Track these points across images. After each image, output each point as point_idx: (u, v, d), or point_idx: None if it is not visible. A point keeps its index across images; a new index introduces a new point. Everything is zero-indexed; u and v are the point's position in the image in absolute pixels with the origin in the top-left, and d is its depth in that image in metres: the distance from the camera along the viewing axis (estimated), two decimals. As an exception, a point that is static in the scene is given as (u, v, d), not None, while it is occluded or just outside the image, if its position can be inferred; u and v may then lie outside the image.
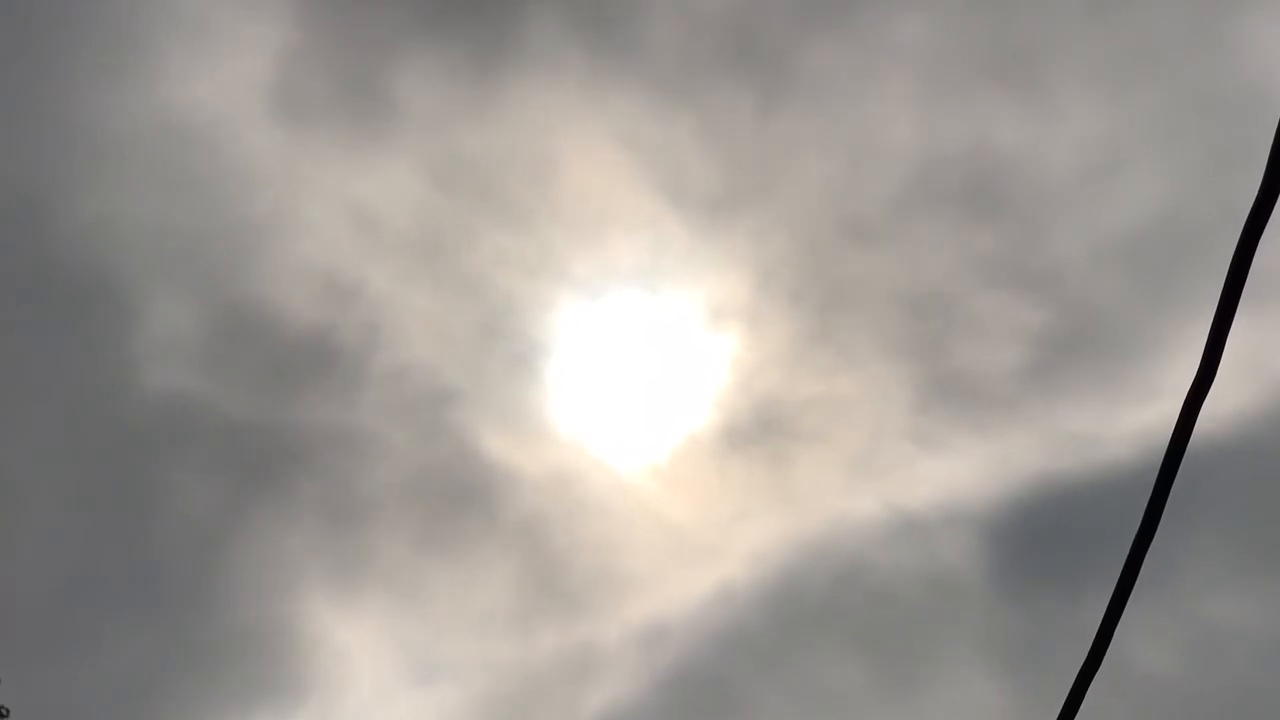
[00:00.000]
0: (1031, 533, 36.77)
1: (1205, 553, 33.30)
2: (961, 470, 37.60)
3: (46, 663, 28.89)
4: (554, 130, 36.67)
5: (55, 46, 34.49)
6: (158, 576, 33.58)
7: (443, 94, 36.35)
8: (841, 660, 36.04)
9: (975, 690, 34.43)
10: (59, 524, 33.76)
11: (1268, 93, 33.05)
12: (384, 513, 36.86)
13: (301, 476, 36.49)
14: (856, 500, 38.09)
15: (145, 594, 33.12)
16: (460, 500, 37.51)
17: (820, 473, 38.76)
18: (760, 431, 38.77)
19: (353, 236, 36.77)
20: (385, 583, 36.09)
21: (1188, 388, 4.00)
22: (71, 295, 34.87)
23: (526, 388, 38.28)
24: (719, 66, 36.66)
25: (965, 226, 37.34)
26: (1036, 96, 35.85)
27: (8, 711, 17.29)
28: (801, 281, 38.08)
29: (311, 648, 34.46)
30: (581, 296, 37.87)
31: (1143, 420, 35.20)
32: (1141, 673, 31.39)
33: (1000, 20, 36.03)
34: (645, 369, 38.26)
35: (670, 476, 38.91)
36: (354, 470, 36.79)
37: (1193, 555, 32.80)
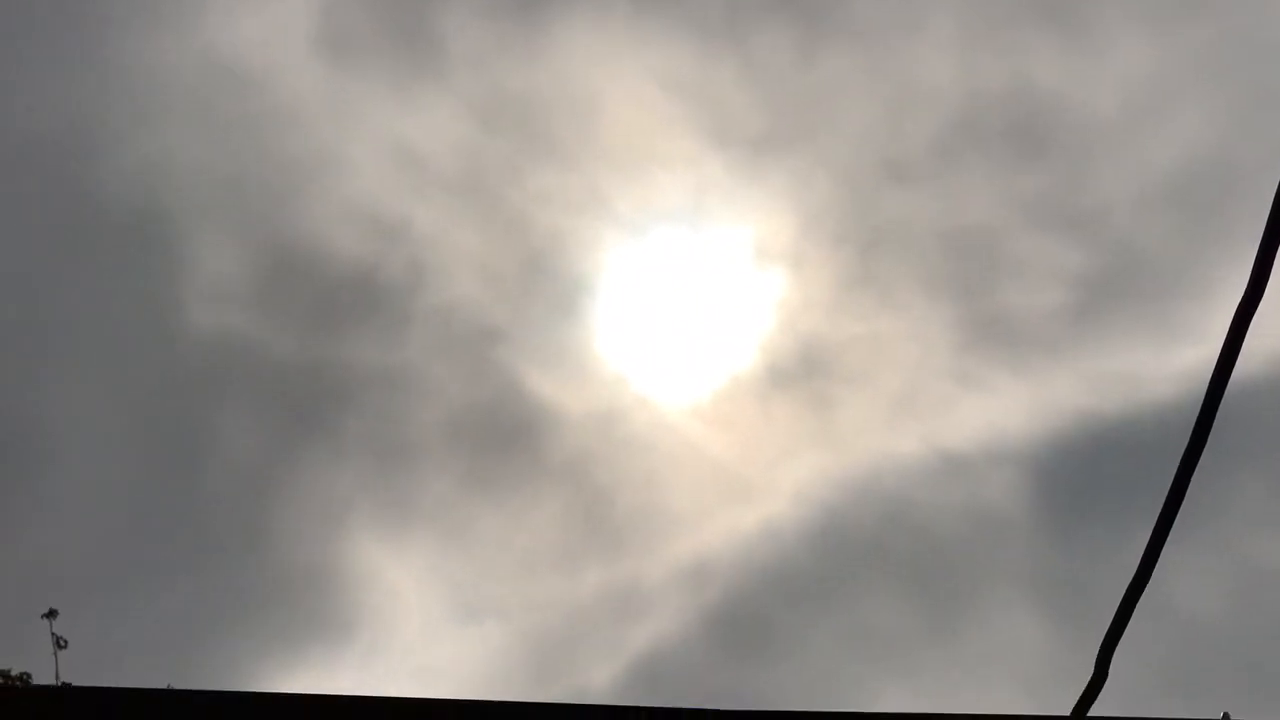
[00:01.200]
0: (1075, 471, 36.69)
1: (1248, 491, 33.22)
2: (1004, 409, 37.53)
3: (100, 600, 29.39)
4: (598, 69, 36.61)
5: (100, -12, 34.67)
6: (207, 515, 34.03)
7: (487, 32, 36.33)
8: (886, 597, 36.16)
9: (1019, 626, 34.55)
10: (108, 464, 34.25)
11: (1319, 29, 32.63)
12: (431, 452, 37.14)
13: (348, 415, 36.80)
14: (900, 439, 38.08)
15: (195, 532, 33.57)
16: (506, 439, 37.75)
17: (864, 412, 38.77)
18: (803, 371, 38.79)
19: (398, 175, 36.88)
20: (432, 522, 36.43)
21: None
22: (117, 236, 35.21)
23: (571, 326, 38.39)
24: (761, 7, 36.49)
25: (1009, 166, 37.11)
26: (1081, 34, 35.52)
27: (66, 643, 17.67)
28: (844, 222, 37.96)
29: (359, 586, 34.87)
30: (625, 235, 37.87)
31: (1187, 360, 34.99)
32: (1182, 614, 31.42)
33: (1046, -43, 35.68)
34: (688, 308, 38.29)
35: (714, 416, 39.00)
36: (400, 409, 37.06)
37: (1235, 494, 32.73)
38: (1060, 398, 36.92)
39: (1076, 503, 36.32)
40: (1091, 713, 5.92)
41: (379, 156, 36.60)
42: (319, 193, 36.56)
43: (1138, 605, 4.40)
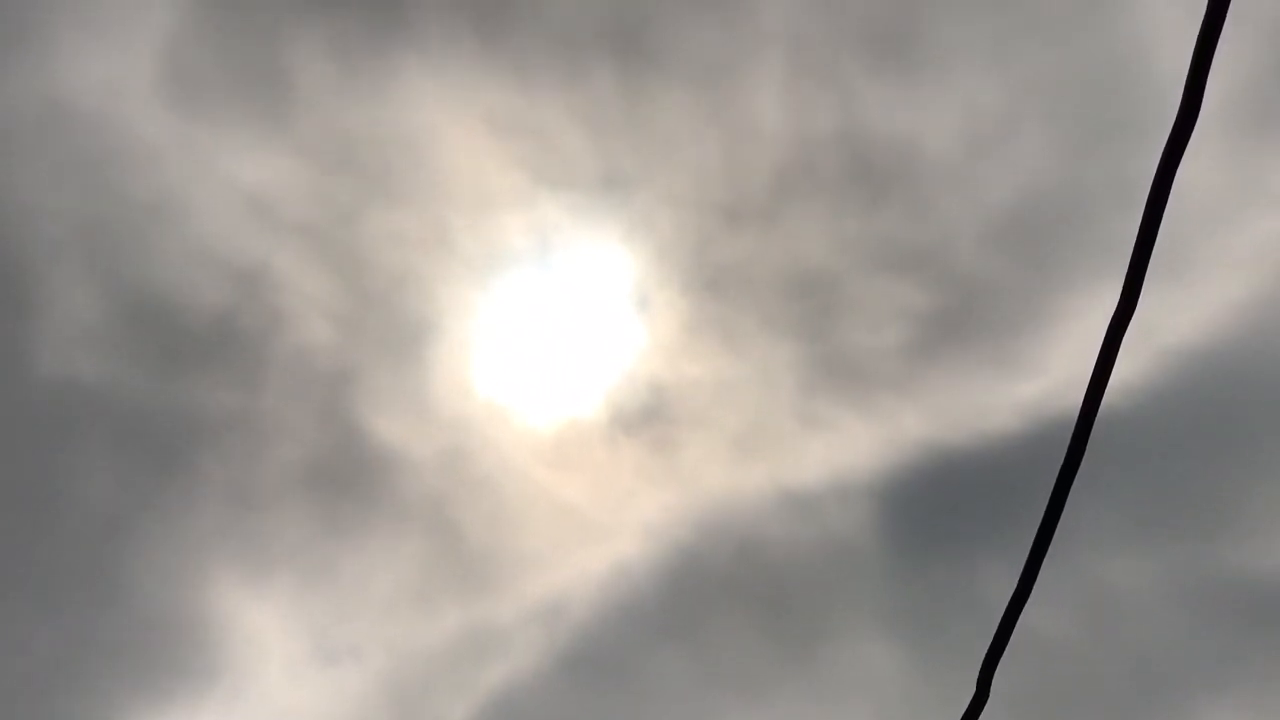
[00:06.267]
0: (921, 503, 37.58)
1: (1100, 519, 34.38)
2: (850, 446, 38.33)
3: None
4: (444, 113, 36.84)
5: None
6: (60, 565, 33.46)
7: (334, 75, 36.38)
8: (739, 631, 36.73)
9: (872, 658, 35.30)
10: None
11: (1154, 66, 34.04)
12: (286, 495, 36.95)
13: (204, 461, 36.45)
14: (747, 478, 38.66)
15: (48, 583, 32.99)
16: (358, 481, 37.67)
17: (709, 453, 39.30)
18: (648, 414, 39.22)
19: (248, 219, 36.71)
20: (291, 565, 36.23)
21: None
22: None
23: (417, 368, 38.42)
24: (596, 50, 36.98)
25: (847, 206, 38.00)
26: (917, 71, 36.55)
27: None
28: (684, 266, 38.49)
29: (219, 632, 34.52)
30: (470, 277, 38.07)
31: (1029, 392, 36.15)
32: (1040, 637, 32.39)
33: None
34: (533, 350, 38.53)
35: (560, 458, 39.25)
36: (257, 454, 36.81)
37: (1088, 521, 33.87)
38: (904, 432, 37.85)
39: (923, 532, 37.23)
40: None
41: (229, 200, 36.42)
42: (169, 237, 36.25)
43: (1015, 625, 4.74)
